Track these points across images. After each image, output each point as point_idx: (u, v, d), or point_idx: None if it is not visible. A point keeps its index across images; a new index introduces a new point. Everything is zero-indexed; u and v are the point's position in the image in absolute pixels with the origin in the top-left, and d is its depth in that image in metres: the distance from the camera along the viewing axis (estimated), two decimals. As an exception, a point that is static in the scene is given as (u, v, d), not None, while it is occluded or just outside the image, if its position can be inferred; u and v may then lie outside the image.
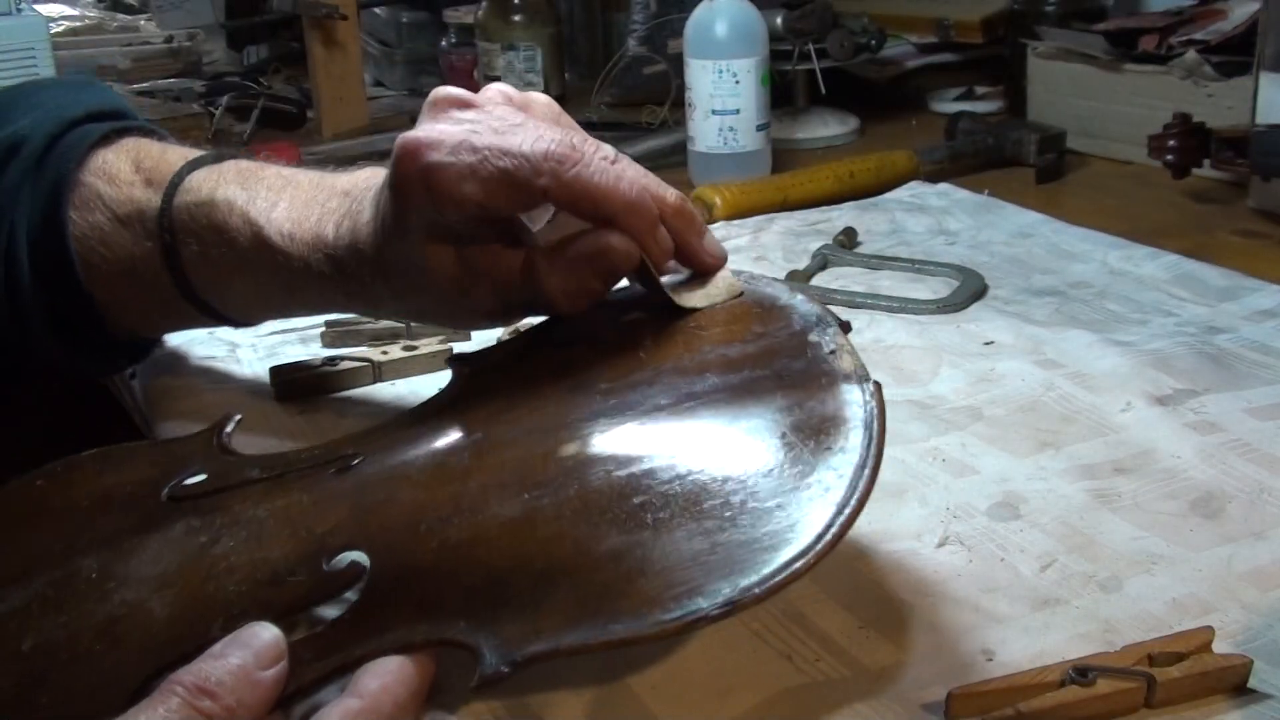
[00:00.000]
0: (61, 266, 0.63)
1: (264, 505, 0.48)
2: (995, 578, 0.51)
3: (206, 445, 0.53)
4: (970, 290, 0.81)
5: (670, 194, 0.55)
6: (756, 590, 0.40)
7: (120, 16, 2.02)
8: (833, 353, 0.49)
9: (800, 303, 0.53)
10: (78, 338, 0.65)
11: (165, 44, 1.76)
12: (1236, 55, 1.05)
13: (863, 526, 0.55)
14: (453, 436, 0.50)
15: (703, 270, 0.56)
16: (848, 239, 0.93)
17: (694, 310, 0.54)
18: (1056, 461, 0.60)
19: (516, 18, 1.40)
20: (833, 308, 0.78)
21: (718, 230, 0.97)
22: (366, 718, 0.40)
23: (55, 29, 1.71)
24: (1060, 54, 1.18)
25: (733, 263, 0.58)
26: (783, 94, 1.27)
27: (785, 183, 1.05)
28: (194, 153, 0.65)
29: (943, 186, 1.06)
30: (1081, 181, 1.11)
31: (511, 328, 0.72)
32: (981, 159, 1.14)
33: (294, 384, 0.71)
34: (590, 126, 0.55)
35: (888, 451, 0.60)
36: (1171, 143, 0.98)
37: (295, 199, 0.61)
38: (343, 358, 0.72)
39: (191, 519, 0.48)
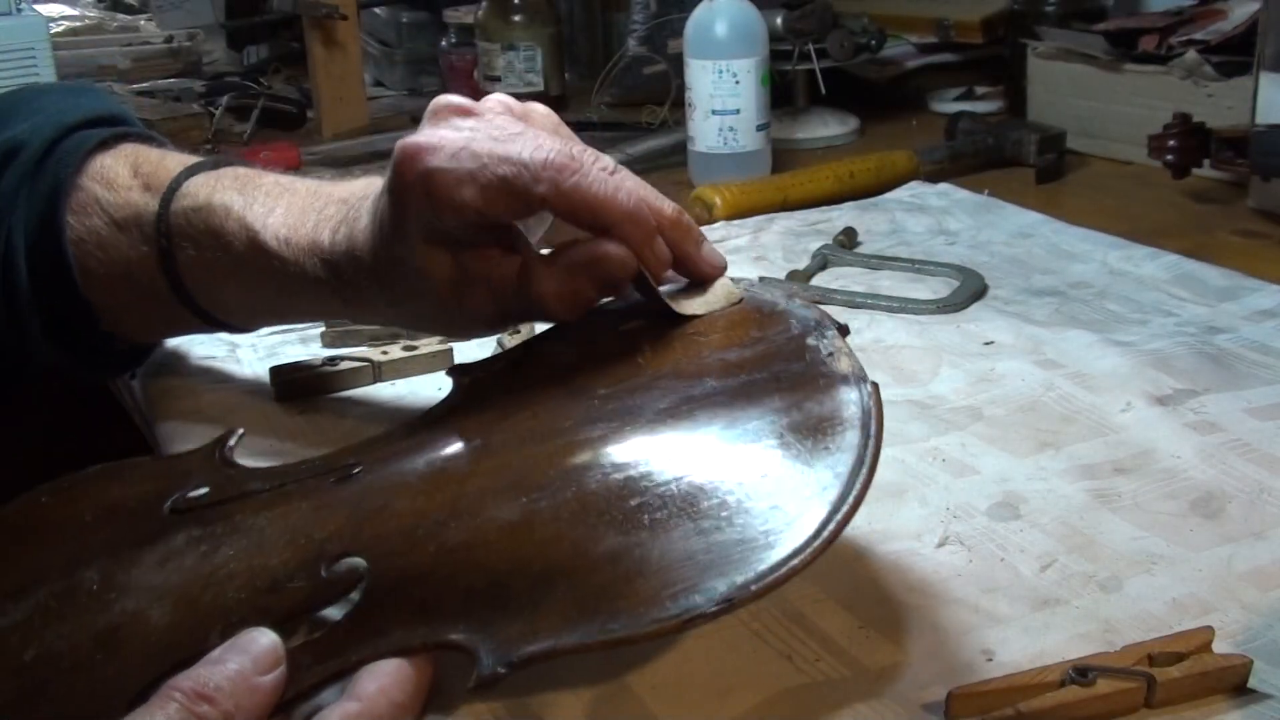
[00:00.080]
0: (59, 271, 0.63)
1: (264, 514, 0.49)
2: (995, 578, 0.51)
3: (209, 459, 0.53)
4: (970, 290, 0.81)
5: (668, 205, 0.55)
6: (753, 587, 0.40)
7: (120, 16, 2.02)
8: (830, 355, 0.49)
9: (798, 307, 0.53)
10: (75, 342, 0.65)
11: (165, 44, 1.76)
12: (1236, 55, 1.05)
13: (863, 526, 0.55)
14: (451, 443, 0.50)
15: (702, 280, 0.56)
16: (848, 239, 0.93)
17: (693, 317, 0.54)
18: (1056, 461, 0.60)
19: (516, 18, 1.40)
20: (833, 308, 0.79)
21: (717, 230, 0.97)
22: None
23: (55, 29, 1.71)
24: (1060, 54, 1.18)
25: (733, 263, 0.58)
26: (783, 94, 1.27)
27: (785, 183, 1.05)
28: (193, 159, 0.65)
29: (943, 186, 1.06)
30: (1081, 181, 1.11)
31: (511, 329, 0.73)
32: (981, 159, 1.14)
33: (294, 384, 0.71)
34: (590, 126, 0.55)
35: (888, 451, 0.60)
36: (1171, 143, 0.98)
37: (292, 205, 0.61)
38: (343, 358, 0.72)
39: (192, 529, 0.48)
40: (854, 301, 0.81)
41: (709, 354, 0.51)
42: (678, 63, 1.16)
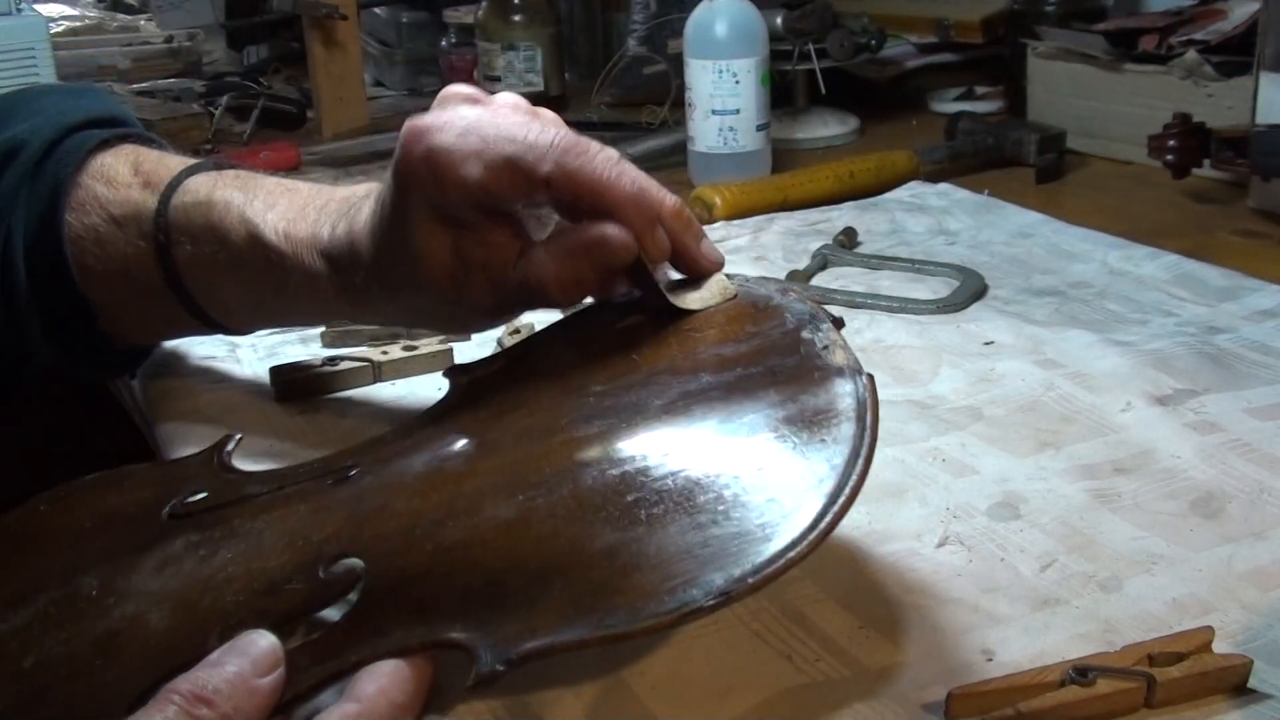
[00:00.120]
0: (57, 270, 0.63)
1: (262, 517, 0.49)
2: (995, 578, 0.51)
3: (207, 464, 0.54)
4: (970, 290, 0.81)
5: (669, 197, 0.55)
6: (750, 580, 0.40)
7: (120, 16, 2.02)
8: (826, 348, 0.49)
9: (793, 302, 0.53)
10: (73, 343, 0.65)
11: (165, 44, 1.75)
12: (1236, 55, 1.05)
13: (863, 526, 0.55)
14: (448, 443, 0.50)
15: (698, 274, 0.56)
16: (848, 239, 0.93)
17: (688, 313, 0.54)
18: (1056, 461, 0.60)
19: (516, 18, 1.40)
20: (833, 308, 0.79)
21: (717, 230, 0.97)
22: (364, 720, 0.40)
23: (55, 29, 1.71)
24: (1060, 54, 1.18)
25: (733, 263, 0.58)
26: (783, 94, 1.27)
27: (785, 183, 1.05)
28: (194, 160, 0.65)
29: (943, 186, 1.06)
30: (1081, 181, 1.11)
31: (510, 327, 0.73)
32: (981, 159, 1.14)
33: (294, 384, 0.71)
34: (590, 126, 0.55)
35: (888, 451, 0.61)
36: (1171, 143, 0.98)
37: (293, 202, 0.61)
38: (343, 358, 0.72)
39: (191, 534, 0.49)
40: (854, 301, 0.81)
41: (704, 350, 0.51)
42: (678, 63, 1.16)
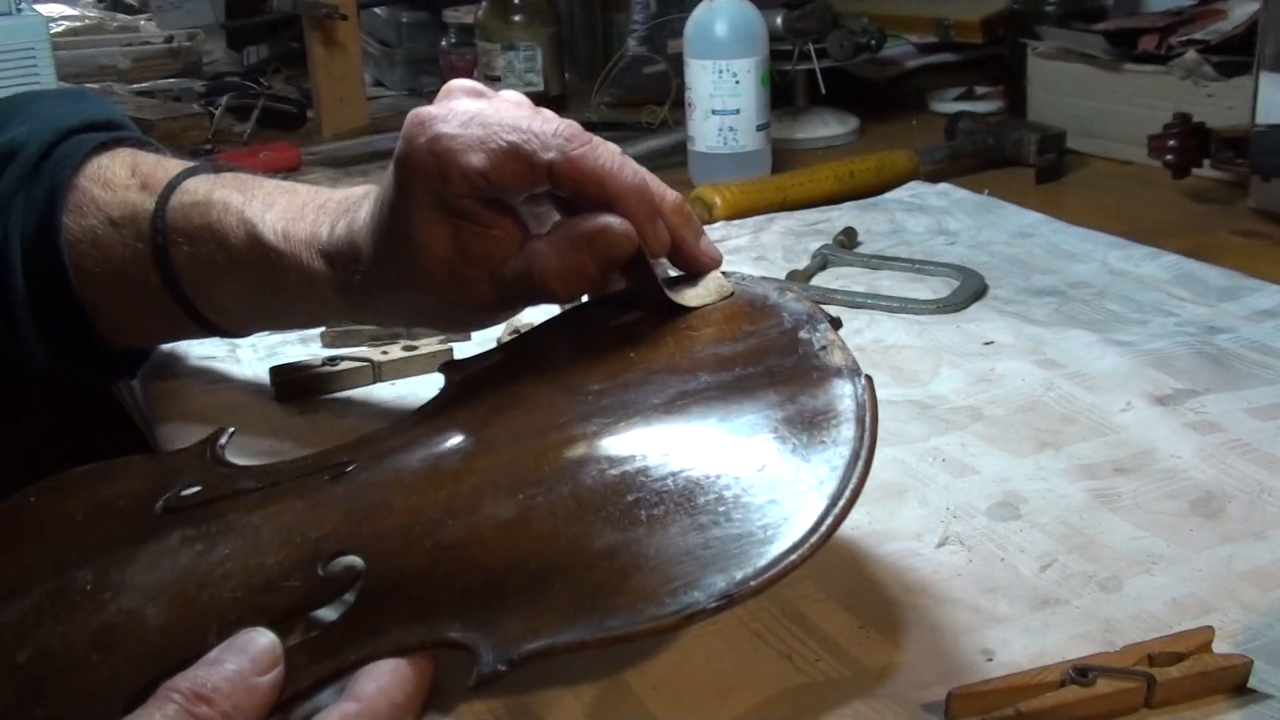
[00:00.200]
0: (55, 273, 0.63)
1: (258, 513, 0.48)
2: (995, 578, 0.51)
3: (200, 457, 0.53)
4: (970, 290, 0.81)
5: (670, 192, 0.55)
6: (753, 583, 0.40)
7: (120, 16, 2.02)
8: (824, 349, 0.49)
9: (790, 301, 0.53)
10: (71, 346, 0.65)
11: (165, 44, 1.75)
12: (1236, 55, 1.05)
13: (863, 526, 0.55)
14: (446, 440, 0.50)
15: (697, 270, 0.56)
16: (848, 239, 0.93)
17: (685, 311, 0.54)
18: (1056, 461, 0.60)
19: (516, 18, 1.40)
20: (833, 308, 0.79)
21: (717, 230, 0.97)
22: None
23: (55, 29, 1.71)
24: (1060, 54, 1.18)
25: (733, 263, 0.58)
26: (783, 94, 1.27)
27: (785, 183, 1.05)
28: (191, 163, 0.65)
29: (943, 186, 1.06)
30: (1081, 181, 1.11)
31: (510, 327, 0.73)
32: (981, 159, 1.14)
33: (294, 384, 0.70)
34: (590, 126, 0.55)
35: (888, 451, 0.61)
36: (1171, 143, 0.98)
37: (292, 203, 0.61)
38: (342, 358, 0.72)
39: (186, 529, 0.48)
40: (854, 301, 0.81)
41: (702, 349, 0.51)
42: (678, 63, 1.16)
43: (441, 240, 0.55)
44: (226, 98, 1.39)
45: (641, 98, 1.38)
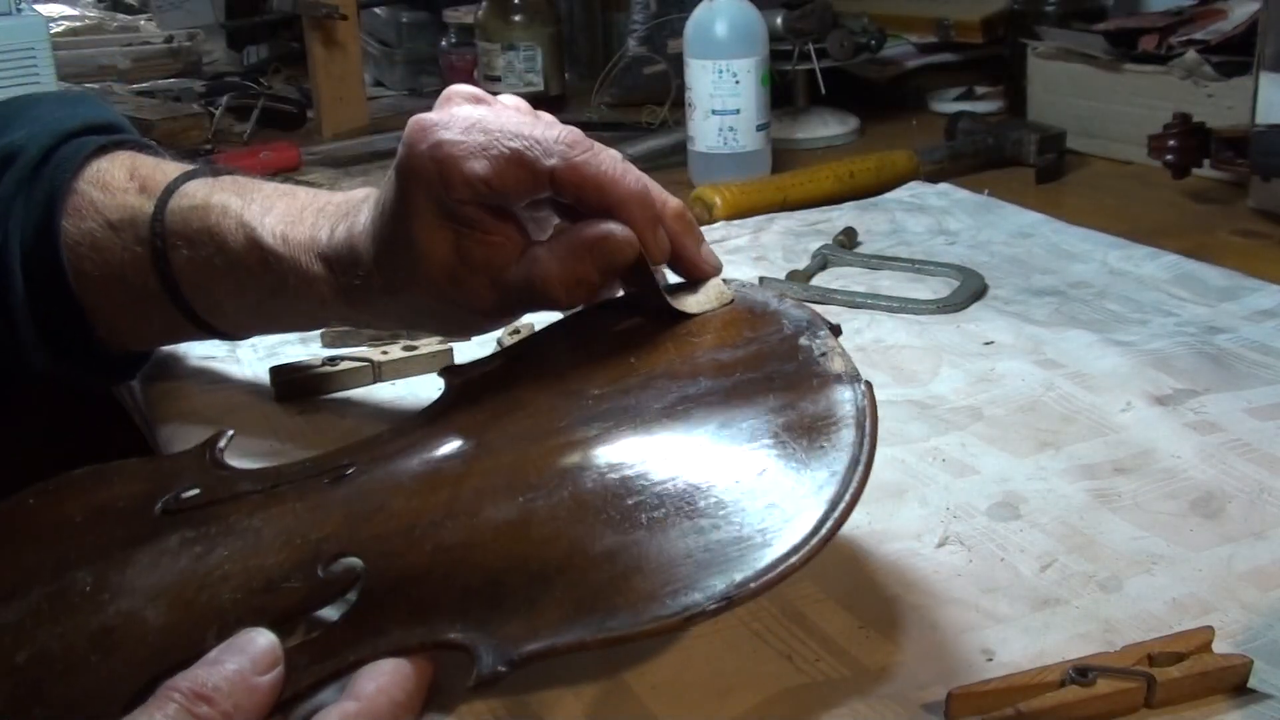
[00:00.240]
0: (54, 276, 0.63)
1: (258, 515, 0.48)
2: (995, 578, 0.51)
3: (199, 460, 0.53)
4: (970, 290, 0.81)
5: (671, 199, 0.56)
6: (752, 585, 0.40)
7: (120, 16, 2.02)
8: (823, 355, 0.49)
9: (789, 308, 0.53)
10: (69, 349, 0.65)
11: (165, 44, 1.75)
12: (1236, 55, 1.05)
13: (863, 526, 0.55)
14: (446, 444, 0.50)
15: (697, 277, 0.56)
16: (848, 239, 0.93)
17: (685, 317, 0.54)
18: (1056, 461, 0.60)
19: (516, 18, 1.40)
20: (833, 308, 0.79)
21: (717, 230, 0.97)
22: (364, 719, 0.40)
23: (55, 29, 1.71)
24: (1060, 54, 1.18)
25: (733, 263, 0.58)
26: (783, 94, 1.27)
27: (785, 183, 1.05)
28: (191, 166, 0.65)
29: (943, 186, 1.06)
30: (1081, 181, 1.11)
31: (510, 328, 0.73)
32: (981, 159, 1.14)
33: (294, 384, 0.70)
34: (590, 126, 0.55)
35: (888, 451, 0.61)
36: (1171, 143, 0.98)
37: (291, 206, 0.61)
38: (342, 358, 0.72)
39: (185, 530, 0.48)
40: (854, 301, 0.81)
41: (702, 354, 0.51)
42: (678, 63, 1.16)
43: (443, 246, 0.54)
44: (226, 98, 1.39)
45: (641, 98, 1.38)
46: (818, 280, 0.86)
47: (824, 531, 0.42)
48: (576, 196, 0.53)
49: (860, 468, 0.44)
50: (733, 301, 0.55)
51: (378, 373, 0.72)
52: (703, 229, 0.59)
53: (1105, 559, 0.52)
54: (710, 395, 0.49)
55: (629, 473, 0.46)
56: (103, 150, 0.65)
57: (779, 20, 1.22)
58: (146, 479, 0.52)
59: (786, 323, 0.52)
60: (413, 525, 0.46)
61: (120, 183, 0.63)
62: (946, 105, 1.35)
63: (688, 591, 0.40)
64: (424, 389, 0.70)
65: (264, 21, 1.71)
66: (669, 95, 1.31)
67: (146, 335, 0.68)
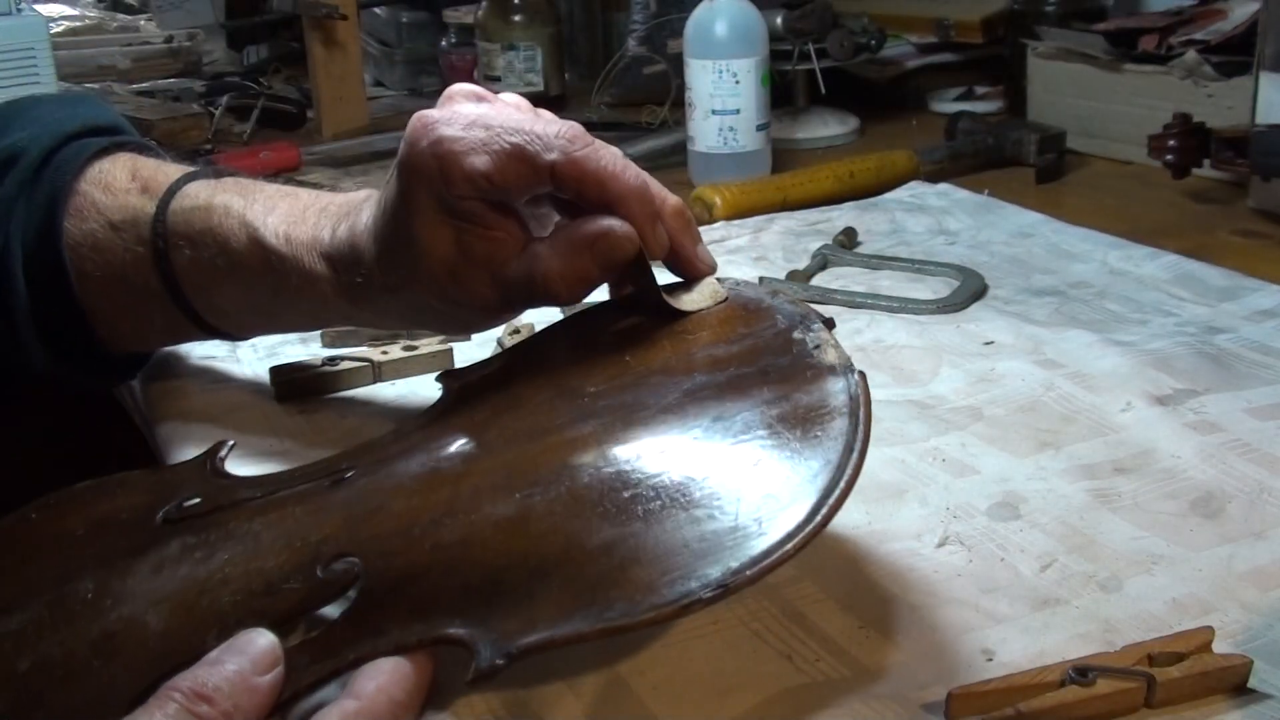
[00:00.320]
0: (56, 278, 0.63)
1: (258, 520, 0.49)
2: (995, 578, 0.51)
3: (200, 470, 0.54)
4: (970, 290, 0.81)
5: (670, 196, 0.56)
6: (748, 572, 0.41)
7: (120, 16, 2.02)
8: (817, 348, 0.49)
9: (783, 304, 0.54)
10: (71, 351, 0.65)
11: (165, 44, 1.75)
12: (1236, 55, 1.05)
13: (863, 526, 0.55)
14: (444, 444, 0.50)
15: (694, 276, 0.57)
16: (848, 239, 0.93)
17: (682, 315, 0.54)
18: (1056, 461, 0.60)
19: (516, 18, 1.40)
20: (833, 308, 0.79)
21: (717, 230, 0.97)
22: (363, 718, 0.40)
23: (55, 29, 1.71)
24: (1060, 54, 1.18)
25: (733, 263, 0.58)
26: (783, 94, 1.27)
27: (785, 183, 1.05)
28: (192, 168, 0.65)
29: (943, 186, 1.06)
30: (1081, 181, 1.11)
31: (510, 327, 0.73)
32: (981, 159, 1.14)
33: (294, 384, 0.71)
34: (590, 126, 0.55)
35: (888, 451, 0.61)
36: (1171, 143, 0.98)
37: (293, 206, 0.62)
38: (343, 358, 0.72)
39: (186, 537, 0.49)
40: (854, 301, 0.81)
41: (698, 350, 0.52)
42: (678, 63, 1.16)
43: (444, 242, 0.55)
44: (226, 98, 1.39)
45: (641, 98, 1.38)
46: (818, 280, 0.86)
47: (818, 519, 0.42)
48: (577, 191, 0.53)
49: (854, 455, 0.44)
50: (727, 299, 0.55)
51: (378, 373, 0.72)
52: (703, 229, 0.59)
53: (1105, 559, 0.52)
54: (705, 390, 0.49)
55: (625, 467, 0.46)
56: (104, 152, 0.65)
57: (779, 20, 1.22)
58: (148, 490, 0.52)
59: (780, 318, 0.52)
60: (412, 524, 0.46)
61: (122, 184, 0.63)
62: (946, 105, 1.35)
63: (684, 580, 0.41)
64: (424, 389, 0.70)
65: (264, 21, 1.71)
66: (669, 95, 1.31)
67: (148, 336, 0.68)
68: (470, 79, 1.45)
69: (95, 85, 1.57)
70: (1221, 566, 0.51)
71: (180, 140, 1.29)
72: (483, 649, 0.41)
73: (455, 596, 0.43)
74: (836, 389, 0.47)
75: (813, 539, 0.42)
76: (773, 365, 0.49)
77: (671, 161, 1.16)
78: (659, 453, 0.46)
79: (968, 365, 0.71)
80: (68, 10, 2.03)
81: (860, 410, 0.46)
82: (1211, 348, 0.70)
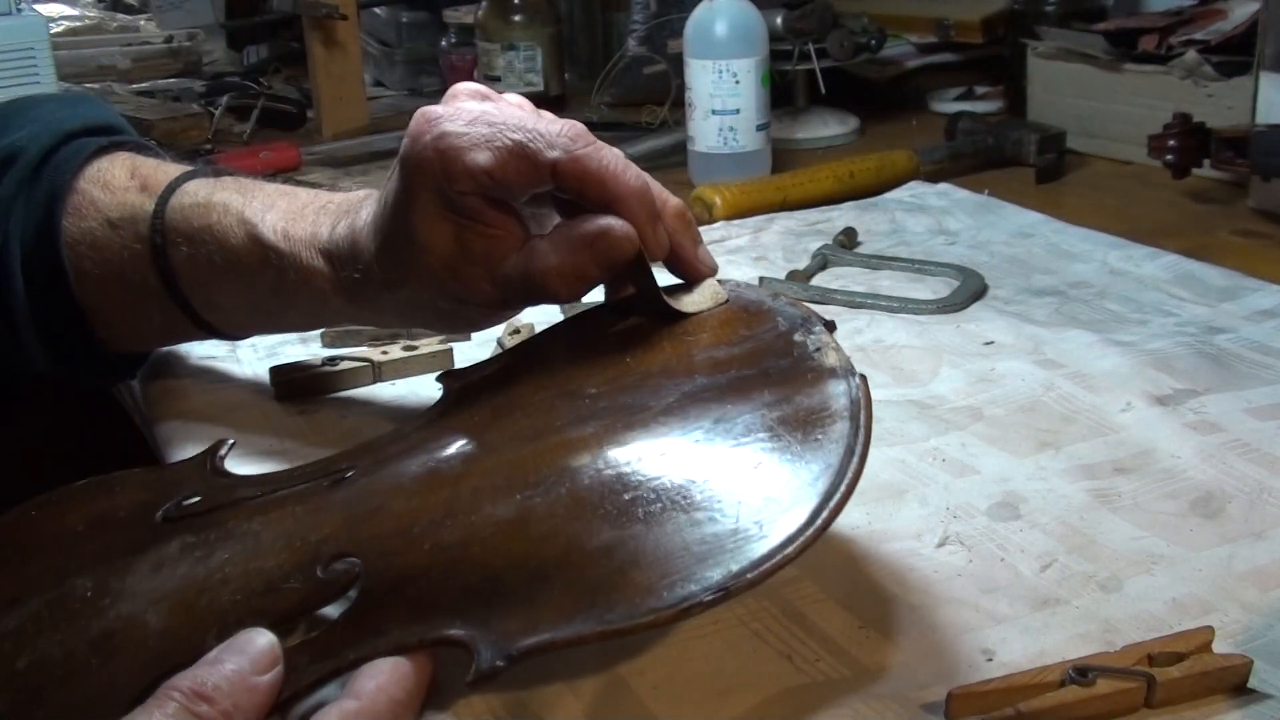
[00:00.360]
0: (54, 276, 0.63)
1: (258, 519, 0.49)
2: (995, 578, 0.51)
3: (200, 469, 0.54)
4: (970, 290, 0.81)
5: (671, 198, 0.56)
6: (748, 575, 0.41)
7: (120, 16, 2.02)
8: (818, 350, 0.49)
9: (784, 306, 0.54)
10: (69, 350, 0.65)
11: (165, 44, 1.76)
12: (1236, 55, 1.05)
13: (863, 526, 0.55)
14: (444, 445, 0.50)
15: (694, 277, 0.57)
16: (848, 239, 0.93)
17: (682, 317, 0.54)
18: (1056, 461, 0.60)
19: (516, 18, 1.40)
20: (833, 308, 0.79)
21: (717, 230, 0.97)
22: (363, 718, 0.40)
23: (55, 29, 1.71)
24: (1060, 54, 1.18)
25: (733, 263, 0.58)
26: (783, 94, 1.27)
27: (785, 183, 1.05)
28: (191, 167, 0.65)
29: (943, 186, 1.06)
30: (1081, 181, 1.11)
31: (511, 328, 0.73)
32: (981, 159, 1.14)
33: (294, 384, 0.71)
34: (590, 126, 0.55)
35: (888, 451, 0.61)
36: (1171, 143, 0.98)
37: (292, 204, 0.62)
38: (343, 358, 0.72)
39: (186, 536, 0.48)
40: (854, 301, 0.81)
41: (698, 352, 0.52)
42: (678, 63, 1.16)
43: (443, 238, 0.55)
44: (226, 98, 1.39)
45: (641, 98, 1.38)
46: (818, 280, 0.86)
47: (819, 523, 0.42)
48: (578, 190, 0.53)
49: (855, 459, 0.44)
50: (728, 301, 0.55)
51: (378, 373, 0.72)
52: (703, 229, 0.59)
53: (1105, 559, 0.52)
54: (706, 392, 0.49)
55: (626, 469, 0.46)
56: (103, 150, 0.65)
57: (779, 20, 1.22)
58: (148, 489, 0.52)
59: (781, 320, 0.52)
60: (412, 525, 0.46)
61: (121, 182, 0.63)
62: (946, 105, 1.35)
63: (684, 583, 0.41)
64: (424, 389, 0.70)
65: (264, 21, 1.71)
66: (669, 95, 1.31)
67: (146, 334, 0.68)
68: (470, 79, 1.45)
69: (95, 85, 1.57)
70: (1221, 566, 0.51)
71: (180, 140, 1.29)
72: (483, 650, 0.40)
73: (455, 597, 0.43)
74: (838, 392, 0.47)
75: (813, 542, 0.42)
76: (774, 367, 0.49)
77: (671, 161, 1.16)
78: (660, 455, 0.46)
79: (968, 365, 0.71)
80: (68, 10, 2.03)
81: (861, 414, 0.46)
82: (1211, 348, 0.70)
